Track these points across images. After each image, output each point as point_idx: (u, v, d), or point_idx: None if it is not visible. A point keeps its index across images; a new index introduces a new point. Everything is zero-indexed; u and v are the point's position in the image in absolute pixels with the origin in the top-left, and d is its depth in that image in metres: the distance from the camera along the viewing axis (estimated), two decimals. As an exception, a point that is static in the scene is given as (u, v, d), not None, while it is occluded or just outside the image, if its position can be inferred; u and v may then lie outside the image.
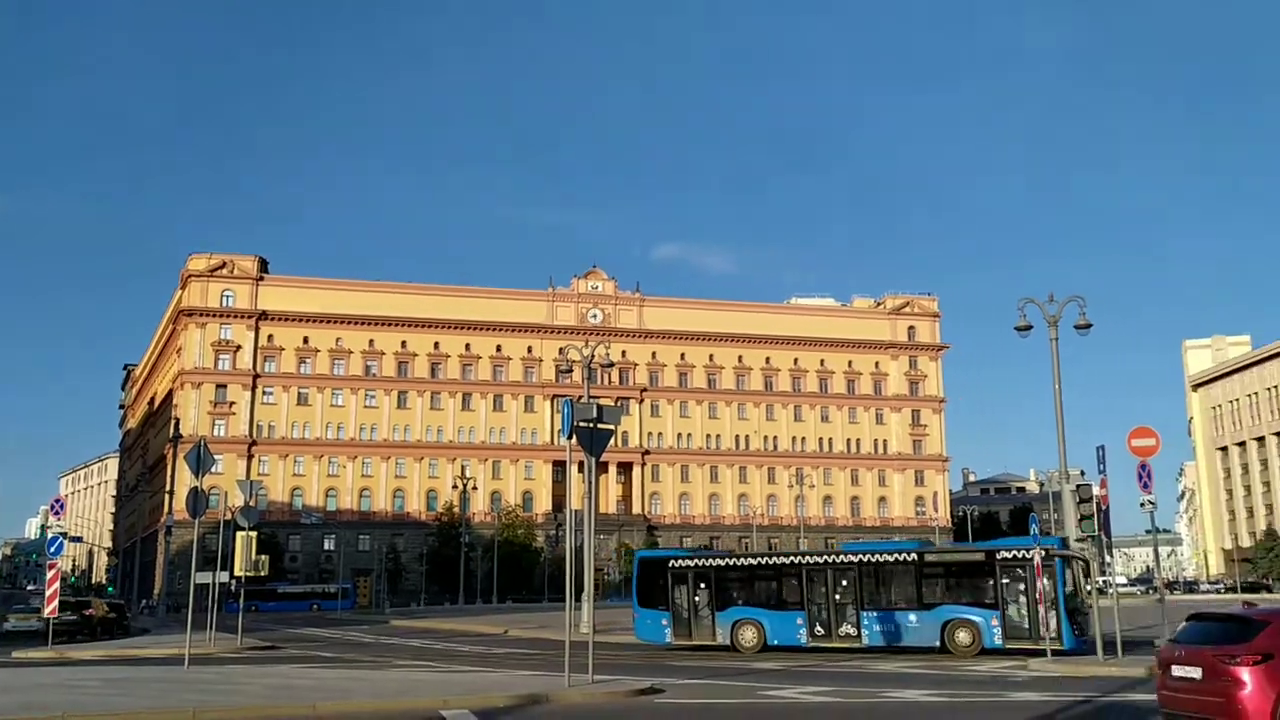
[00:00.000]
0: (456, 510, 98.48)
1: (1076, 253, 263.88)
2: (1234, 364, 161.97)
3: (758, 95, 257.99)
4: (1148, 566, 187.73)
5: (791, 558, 32.69)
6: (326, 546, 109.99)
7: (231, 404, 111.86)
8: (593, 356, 43.81)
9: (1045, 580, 26.85)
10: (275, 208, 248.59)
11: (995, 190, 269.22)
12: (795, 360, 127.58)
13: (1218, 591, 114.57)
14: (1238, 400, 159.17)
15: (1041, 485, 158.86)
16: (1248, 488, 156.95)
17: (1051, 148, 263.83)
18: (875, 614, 29.48)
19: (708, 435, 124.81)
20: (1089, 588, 28.60)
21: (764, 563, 33.39)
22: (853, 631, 29.65)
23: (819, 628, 30.16)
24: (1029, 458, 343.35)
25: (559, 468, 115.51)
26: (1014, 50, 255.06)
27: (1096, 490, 28.96)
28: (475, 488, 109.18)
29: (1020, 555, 28.17)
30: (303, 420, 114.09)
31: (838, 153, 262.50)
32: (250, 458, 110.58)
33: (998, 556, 28.60)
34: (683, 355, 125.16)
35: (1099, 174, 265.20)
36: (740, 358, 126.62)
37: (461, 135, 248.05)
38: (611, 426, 18.49)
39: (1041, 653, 25.28)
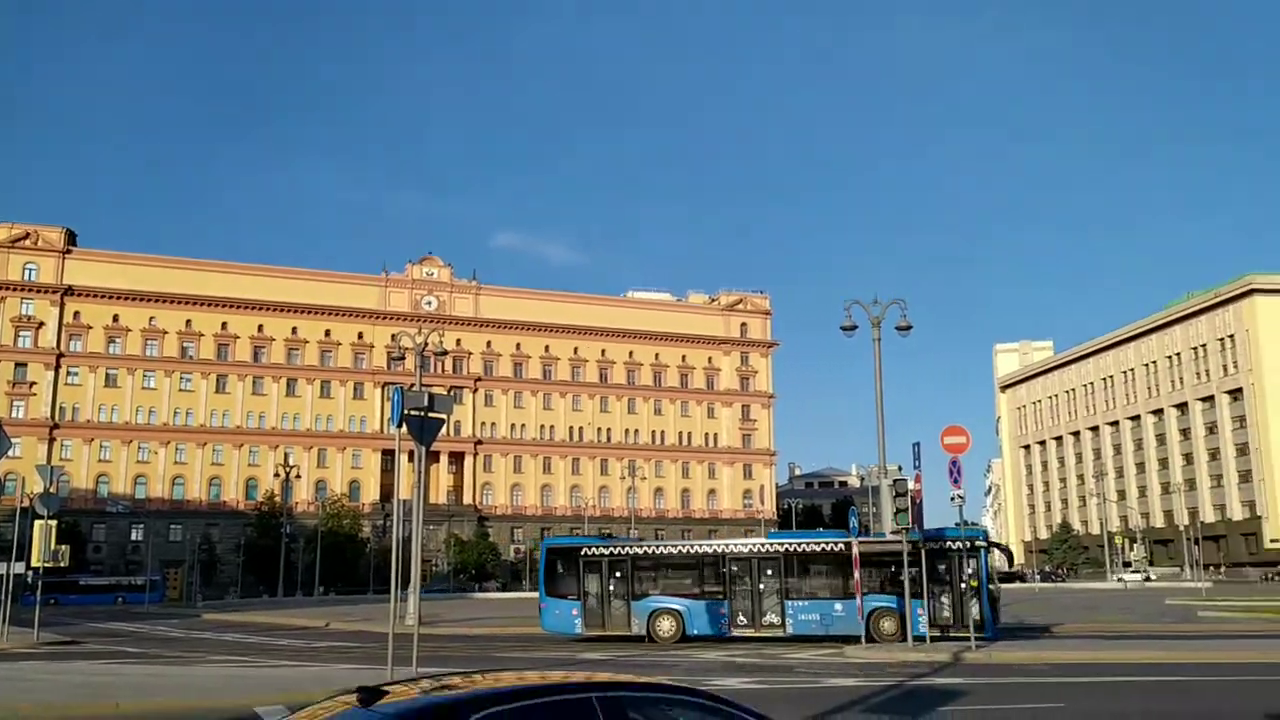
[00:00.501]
0: (278, 499, 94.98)
1: (901, 256, 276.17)
2: (1037, 368, 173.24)
3: (606, 89, 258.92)
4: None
5: (715, 547, 32.50)
6: (134, 536, 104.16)
7: (32, 384, 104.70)
8: (426, 344, 43.02)
9: (969, 569, 27.93)
10: (87, 180, 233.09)
11: (830, 192, 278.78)
12: (630, 353, 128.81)
13: (1019, 580, 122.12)
14: (1040, 401, 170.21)
15: (862, 479, 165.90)
16: (1046, 483, 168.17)
17: (882, 154, 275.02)
18: (801, 603, 29.57)
19: (541, 426, 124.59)
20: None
21: (686, 551, 33.22)
22: (777, 621, 29.63)
23: (742, 617, 29.97)
24: (852, 453, 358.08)
25: (388, 457, 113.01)
26: (843, 52, 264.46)
27: (911, 485, 30.39)
28: (299, 476, 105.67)
29: (946, 546, 28.60)
30: (111, 403, 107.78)
31: (681, 150, 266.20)
32: (51, 441, 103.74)
33: (927, 546, 28.07)
34: (518, 345, 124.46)
35: (923, 180, 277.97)
36: (576, 349, 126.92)
37: (301, 118, 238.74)
38: (443, 416, 18.11)
39: (965, 639, 25.53)
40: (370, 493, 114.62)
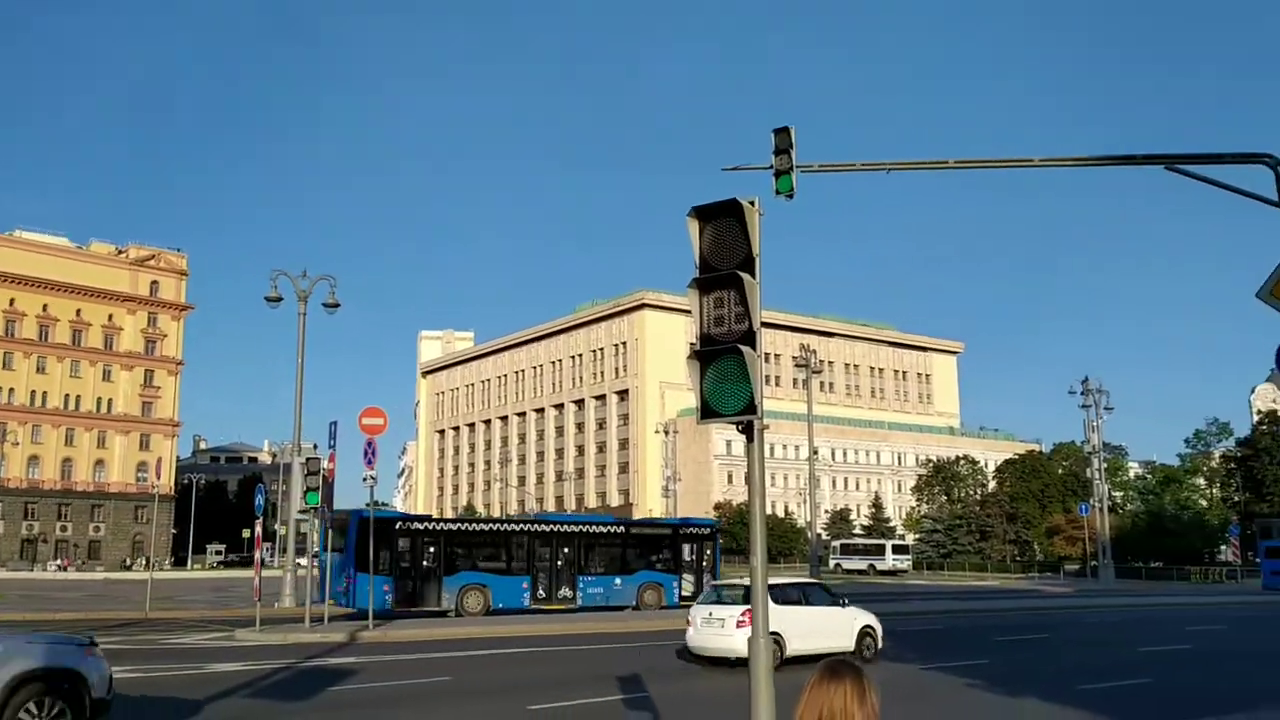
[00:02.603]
0: None
1: (335, 233, 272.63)
2: (458, 356, 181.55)
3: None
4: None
5: (523, 525, 33.61)
6: None
7: None
8: None
9: (709, 551, 34.67)
10: None
11: (263, 158, 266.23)
12: (12, 301, 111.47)
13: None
14: (458, 389, 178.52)
15: (274, 456, 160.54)
16: (457, 467, 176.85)
17: (325, 121, 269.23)
18: (590, 578, 32.58)
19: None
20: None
21: (496, 529, 34.35)
22: (570, 594, 32.01)
23: (542, 592, 31.71)
24: (266, 428, 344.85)
25: None
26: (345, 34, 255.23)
27: (325, 464, 29.91)
28: None
29: (695, 531, 35.44)
30: None
31: (96, 86, 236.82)
32: None
33: (680, 531, 35.23)
34: None
35: (366, 158, 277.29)
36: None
37: None
38: None
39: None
40: None
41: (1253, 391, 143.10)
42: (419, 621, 27.90)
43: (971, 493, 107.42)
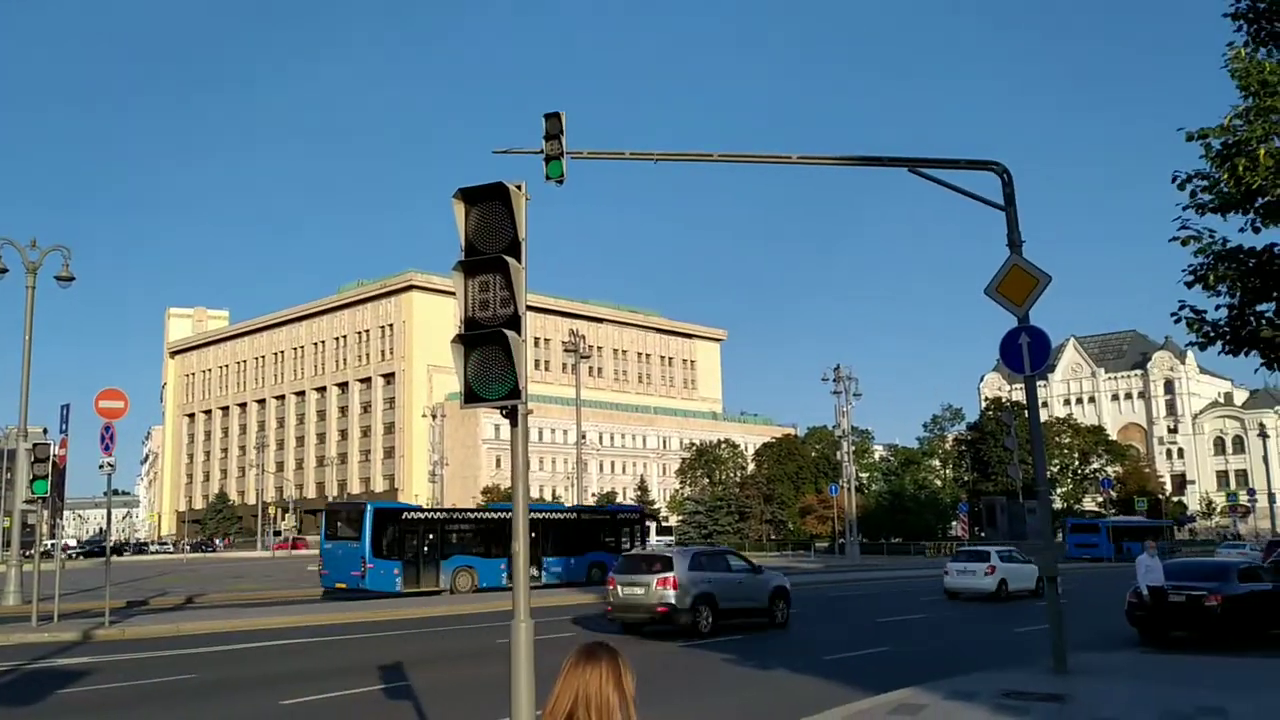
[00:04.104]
0: None
1: (70, 203, 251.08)
2: (211, 336, 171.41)
3: None
4: (100, 528, 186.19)
5: (500, 514, 36.70)
6: None
7: None
8: None
9: (640, 532, 42.32)
10: None
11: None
12: None
13: (167, 551, 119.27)
14: (211, 370, 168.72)
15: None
16: (208, 453, 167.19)
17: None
18: (552, 559, 37.30)
19: None
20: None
21: (480, 517, 38.05)
22: (536, 574, 35.96)
23: None
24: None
25: None
26: None
27: (56, 450, 27.66)
28: None
29: (629, 516, 42.54)
30: None
31: None
32: None
33: (618, 516, 42.21)
34: None
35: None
36: None
37: None
38: None
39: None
40: None
41: (982, 380, 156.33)
42: (163, 616, 26.29)
43: (732, 475, 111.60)
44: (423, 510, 38.17)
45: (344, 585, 32.29)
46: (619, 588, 20.93)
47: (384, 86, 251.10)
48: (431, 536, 34.46)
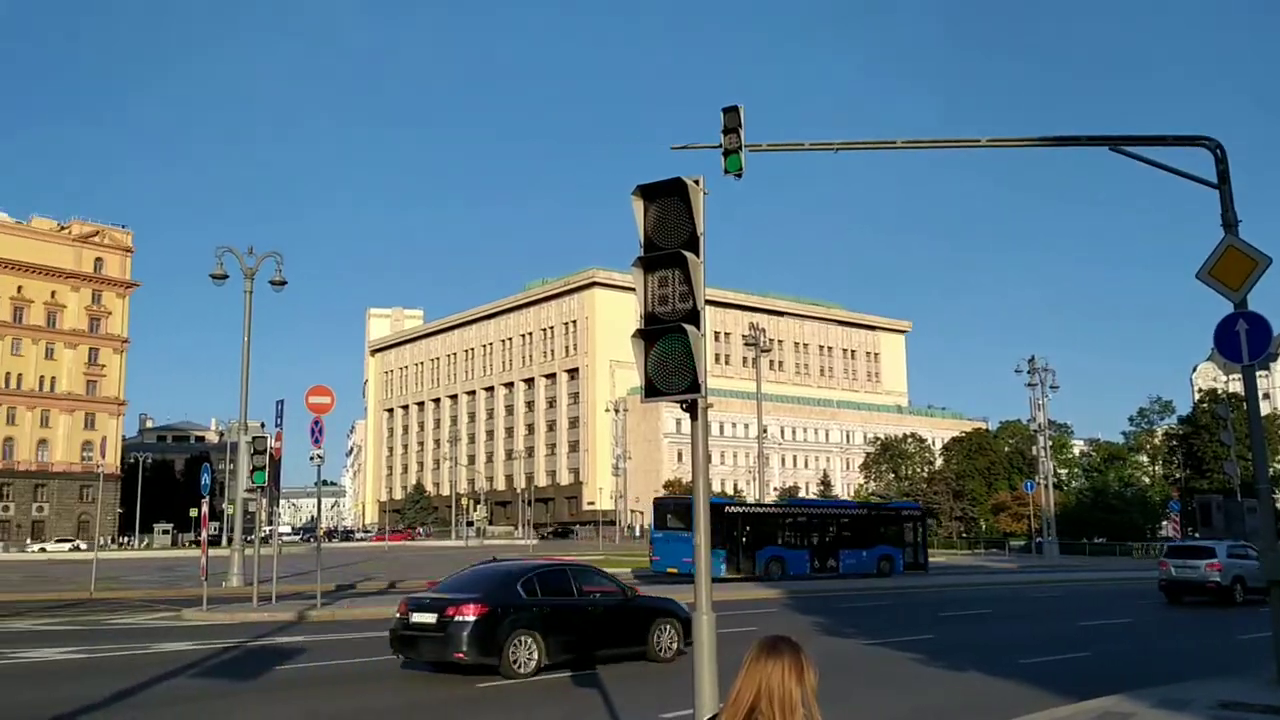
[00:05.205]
0: None
1: (286, 212, 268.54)
2: (408, 334, 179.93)
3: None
4: (312, 516, 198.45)
5: (803, 509, 44.60)
6: None
7: None
8: None
9: (921, 528, 44.74)
10: None
11: (210, 140, 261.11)
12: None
13: (370, 539, 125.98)
14: (407, 367, 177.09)
15: (222, 435, 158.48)
16: (406, 446, 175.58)
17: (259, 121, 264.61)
18: (845, 552, 40.78)
19: None
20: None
21: (787, 511, 42.89)
22: (834, 564, 40.21)
23: (817, 562, 39.86)
24: (213, 406, 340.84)
25: None
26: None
27: (272, 443, 29.63)
28: None
29: (911, 513, 45.44)
30: None
31: (40, 60, 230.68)
32: None
33: (902, 513, 45.14)
34: None
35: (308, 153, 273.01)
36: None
37: None
38: None
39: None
40: None
41: (1194, 370, 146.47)
42: (366, 600, 27.78)
43: (918, 470, 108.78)
44: (741, 505, 44.00)
45: (675, 570, 35.23)
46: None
47: (565, 86, 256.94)
48: (749, 529, 38.97)
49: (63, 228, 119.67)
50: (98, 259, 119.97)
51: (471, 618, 13.62)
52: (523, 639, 13.94)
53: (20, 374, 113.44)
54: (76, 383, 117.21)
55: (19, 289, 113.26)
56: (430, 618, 13.96)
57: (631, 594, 16.36)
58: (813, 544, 40.65)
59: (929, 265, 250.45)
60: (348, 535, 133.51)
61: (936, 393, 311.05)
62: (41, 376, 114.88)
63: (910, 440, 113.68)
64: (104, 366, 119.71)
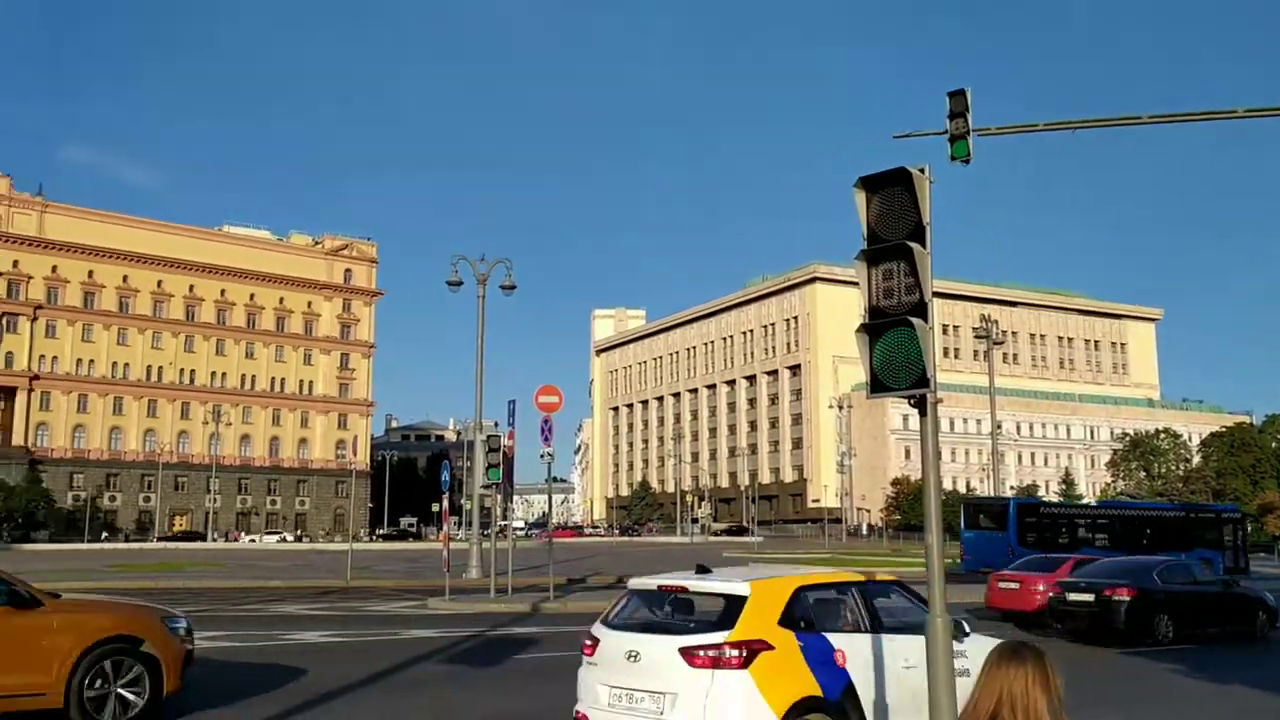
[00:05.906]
0: None
1: (511, 219, 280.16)
2: (631, 334, 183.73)
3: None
4: (543, 512, 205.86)
5: (1114, 509, 44.06)
6: None
7: None
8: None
9: (1240, 531, 43.18)
10: None
11: (451, 146, 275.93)
12: (223, 291, 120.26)
13: (598, 534, 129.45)
14: (631, 366, 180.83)
15: (459, 434, 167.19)
16: (631, 444, 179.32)
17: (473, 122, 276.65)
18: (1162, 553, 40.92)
19: (114, 363, 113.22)
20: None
21: (1097, 511, 42.68)
22: None
23: None
24: (451, 406, 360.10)
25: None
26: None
27: (505, 441, 30.94)
28: None
29: (1229, 516, 43.76)
30: None
31: (280, 85, 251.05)
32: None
33: (1221, 515, 43.80)
34: (90, 273, 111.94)
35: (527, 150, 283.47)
36: (160, 282, 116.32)
37: None
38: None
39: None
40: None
41: None
42: (598, 593, 28.48)
43: (1173, 468, 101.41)
44: (1055, 505, 45.20)
45: (988, 570, 34.87)
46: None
47: (782, 85, 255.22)
48: (1064, 529, 39.02)
49: (316, 242, 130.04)
50: (347, 270, 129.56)
51: (1125, 598, 17.66)
52: (1161, 616, 17.99)
53: (283, 378, 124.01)
54: (330, 386, 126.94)
55: (281, 300, 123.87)
56: (1089, 597, 18.21)
57: (1233, 583, 20.87)
58: (1128, 546, 38.92)
59: (1182, 250, 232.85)
60: (577, 530, 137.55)
61: (1192, 385, 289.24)
62: (301, 380, 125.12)
63: (1163, 436, 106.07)
64: (354, 370, 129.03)
